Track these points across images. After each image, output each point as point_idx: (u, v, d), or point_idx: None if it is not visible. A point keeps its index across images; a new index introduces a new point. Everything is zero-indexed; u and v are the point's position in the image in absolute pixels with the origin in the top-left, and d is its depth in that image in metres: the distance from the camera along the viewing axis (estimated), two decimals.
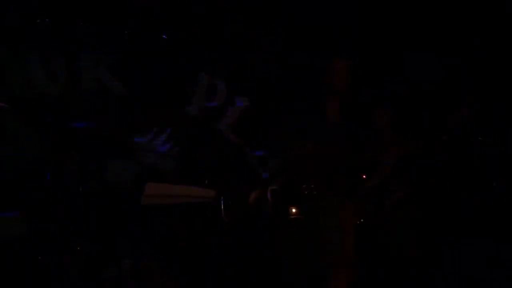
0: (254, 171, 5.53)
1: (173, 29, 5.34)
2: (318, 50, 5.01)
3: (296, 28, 5.45)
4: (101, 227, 4.71)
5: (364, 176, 4.55)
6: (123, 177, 5.01)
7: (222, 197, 5.08)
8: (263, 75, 5.53)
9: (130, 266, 4.65)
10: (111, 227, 4.75)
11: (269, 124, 5.40)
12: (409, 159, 4.62)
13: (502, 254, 4.68)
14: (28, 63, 4.91)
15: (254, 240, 5.26)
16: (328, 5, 5.35)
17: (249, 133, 5.53)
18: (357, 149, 4.07)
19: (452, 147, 4.73)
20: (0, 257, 4.35)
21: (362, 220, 4.82)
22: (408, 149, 4.61)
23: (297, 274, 5.01)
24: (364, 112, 4.30)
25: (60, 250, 4.57)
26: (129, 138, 5.11)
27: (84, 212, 4.64)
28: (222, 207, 5.07)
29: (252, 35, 5.50)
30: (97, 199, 4.76)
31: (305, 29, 5.44)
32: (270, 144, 5.45)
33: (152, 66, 5.25)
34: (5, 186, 4.58)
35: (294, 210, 5.46)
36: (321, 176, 4.03)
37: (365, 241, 4.73)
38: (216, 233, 5.07)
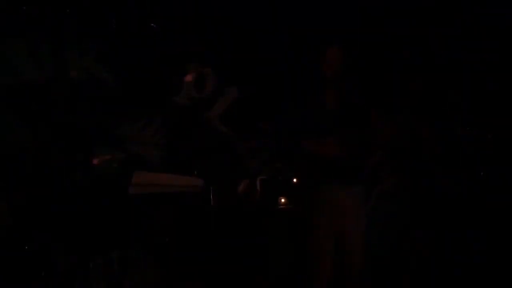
0: (243, 161, 5.52)
1: (162, 18, 5.31)
2: (313, 37, 4.99)
3: (290, 16, 5.43)
4: (88, 217, 4.69)
5: None
6: (110, 166, 4.99)
7: (211, 187, 5.07)
8: (256, 65, 5.52)
9: (117, 256, 4.64)
10: (98, 217, 4.73)
11: (259, 114, 5.39)
12: (398, 149, 4.61)
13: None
14: (14, 51, 4.87)
15: (243, 230, 5.26)
16: None
17: (239, 123, 5.52)
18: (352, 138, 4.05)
19: (442, 137, 4.72)
20: None
21: None
22: (398, 138, 4.60)
23: (285, 264, 5.02)
24: (358, 101, 4.28)
25: (47, 240, 4.55)
26: (117, 128, 5.09)
27: (71, 202, 4.62)
28: (211, 197, 5.06)
29: (243, 24, 5.48)
30: (84, 189, 4.74)
31: (299, 17, 5.42)
32: (261, 134, 5.45)
33: (140, 55, 5.22)
34: None
35: (283, 200, 5.47)
36: (320, 165, 4.01)
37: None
38: (204, 223, 5.06)
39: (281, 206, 5.48)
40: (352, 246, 4.03)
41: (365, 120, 4.12)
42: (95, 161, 4.90)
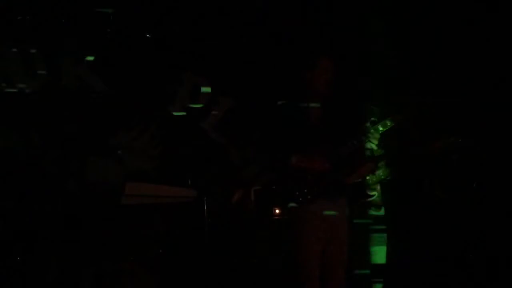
0: (237, 171, 5.52)
1: (157, 28, 5.32)
2: (303, 49, 4.99)
3: (281, 27, 5.43)
4: (81, 227, 4.67)
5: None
6: (104, 176, 4.98)
7: (205, 197, 5.05)
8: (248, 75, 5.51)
9: (110, 267, 4.62)
10: (91, 227, 4.71)
11: (254, 124, 5.38)
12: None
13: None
14: (8, 60, 4.88)
15: (237, 240, 5.25)
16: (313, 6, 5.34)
17: (234, 133, 5.52)
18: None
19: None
20: None
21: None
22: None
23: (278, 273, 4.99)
24: (348, 111, 4.26)
25: (40, 250, 4.53)
26: (111, 137, 5.09)
27: (63, 211, 4.61)
28: (205, 207, 5.05)
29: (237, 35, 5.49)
30: (77, 199, 4.73)
31: (290, 28, 5.43)
32: (255, 145, 5.43)
33: (135, 65, 5.22)
34: None
35: (277, 211, 5.44)
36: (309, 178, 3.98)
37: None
38: (198, 233, 5.05)
39: (275, 217, 5.46)
40: (338, 257, 4.02)
41: (353, 133, 4.10)
42: (88, 170, 4.90)
